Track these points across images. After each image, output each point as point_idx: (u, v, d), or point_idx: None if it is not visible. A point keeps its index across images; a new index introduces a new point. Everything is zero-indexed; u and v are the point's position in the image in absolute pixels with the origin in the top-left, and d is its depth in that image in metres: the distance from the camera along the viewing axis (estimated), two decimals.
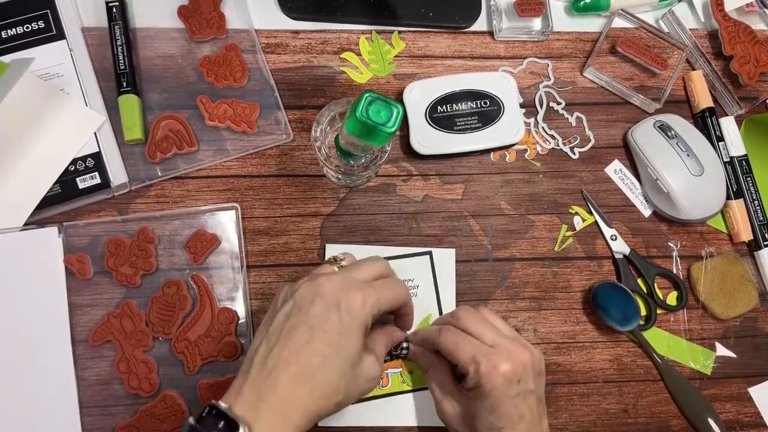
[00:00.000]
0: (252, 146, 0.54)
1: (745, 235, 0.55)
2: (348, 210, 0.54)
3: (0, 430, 0.46)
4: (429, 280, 0.52)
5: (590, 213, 0.56)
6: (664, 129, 0.55)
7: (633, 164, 0.57)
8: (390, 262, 0.51)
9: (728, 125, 0.58)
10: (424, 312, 0.51)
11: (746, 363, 0.54)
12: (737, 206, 0.56)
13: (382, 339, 0.44)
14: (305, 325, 0.38)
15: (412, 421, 0.49)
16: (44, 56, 0.52)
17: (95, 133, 0.52)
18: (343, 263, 0.43)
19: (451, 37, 0.59)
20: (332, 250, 0.52)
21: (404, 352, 0.48)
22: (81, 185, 0.51)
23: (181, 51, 0.55)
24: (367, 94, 0.38)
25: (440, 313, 0.51)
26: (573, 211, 0.56)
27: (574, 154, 0.57)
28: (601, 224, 0.55)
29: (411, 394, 0.50)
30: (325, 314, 0.38)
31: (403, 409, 0.49)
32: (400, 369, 0.50)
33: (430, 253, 0.52)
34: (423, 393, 0.49)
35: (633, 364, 0.53)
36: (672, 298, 0.55)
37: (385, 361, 0.49)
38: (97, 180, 0.51)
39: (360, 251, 0.52)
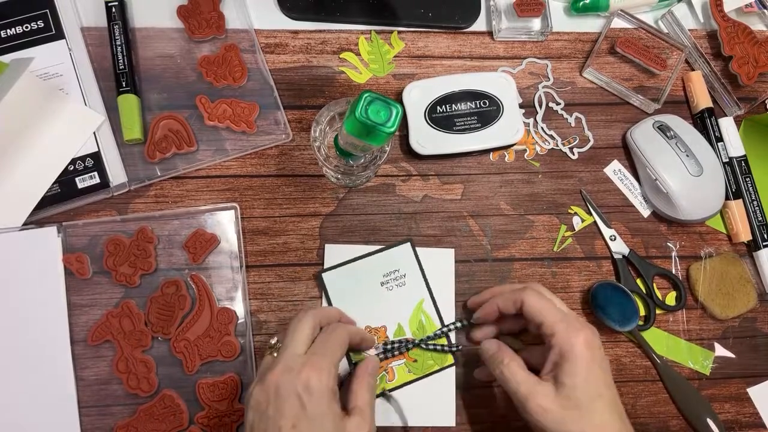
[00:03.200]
0: (251, 146, 0.54)
1: (744, 235, 0.55)
2: (347, 210, 0.54)
3: None
4: (414, 267, 0.52)
5: (589, 213, 0.56)
6: (663, 129, 0.55)
7: (632, 164, 0.57)
8: (372, 256, 0.52)
9: (727, 126, 0.58)
10: (416, 299, 0.51)
11: (745, 363, 0.54)
12: (736, 207, 0.56)
13: (361, 386, 0.42)
14: (274, 428, 0.36)
15: (426, 408, 0.49)
16: (43, 56, 0.52)
17: (94, 133, 0.52)
18: (277, 344, 0.41)
19: (451, 37, 0.59)
20: (331, 250, 0.52)
21: (396, 353, 0.48)
22: (80, 185, 0.51)
23: (180, 51, 0.55)
24: (366, 94, 0.38)
25: (431, 297, 0.52)
26: (572, 212, 0.56)
27: (574, 155, 0.57)
28: (601, 224, 0.55)
29: (419, 382, 0.50)
30: (287, 409, 0.36)
31: (416, 397, 0.50)
32: (404, 360, 0.50)
33: (410, 240, 0.53)
34: (428, 379, 0.50)
35: (632, 365, 0.53)
36: (671, 299, 0.55)
37: (381, 360, 0.49)
38: (96, 180, 0.51)
39: (359, 250, 0.52)
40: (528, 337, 0.48)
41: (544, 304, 0.43)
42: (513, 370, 0.42)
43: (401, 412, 0.49)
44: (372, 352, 0.49)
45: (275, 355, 0.41)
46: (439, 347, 0.50)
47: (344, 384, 0.44)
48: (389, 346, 0.49)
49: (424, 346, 0.50)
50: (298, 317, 0.42)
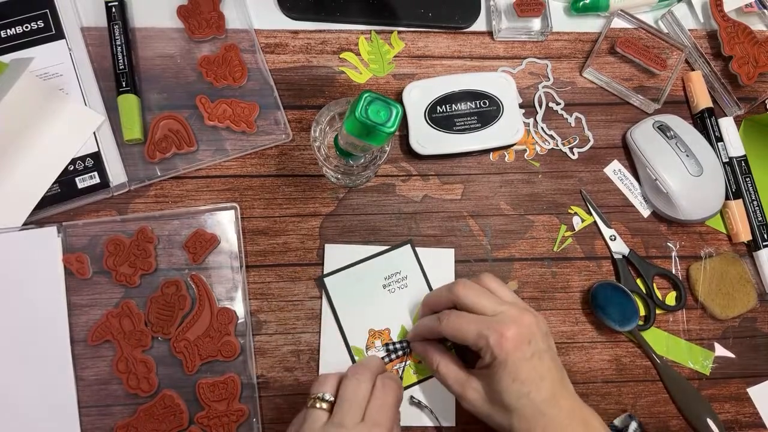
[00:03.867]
0: (251, 146, 0.54)
1: (744, 235, 0.55)
2: (347, 210, 0.54)
3: None
4: (416, 269, 0.52)
5: (589, 213, 0.56)
6: (663, 129, 0.55)
7: (632, 164, 0.57)
8: (373, 259, 0.52)
9: (727, 126, 0.58)
10: (418, 300, 0.51)
11: (745, 363, 0.54)
12: (736, 207, 0.56)
13: None
14: None
15: (435, 405, 0.50)
16: (43, 56, 0.52)
17: (94, 133, 0.52)
18: (329, 398, 0.41)
19: (451, 37, 0.59)
20: (331, 250, 0.52)
21: (400, 354, 0.49)
22: (80, 185, 0.51)
23: (180, 51, 0.55)
24: (366, 94, 0.38)
25: None
26: (572, 212, 0.56)
27: (574, 155, 0.57)
28: (601, 224, 0.55)
29: (426, 383, 0.50)
30: None
31: (424, 397, 0.50)
32: (408, 361, 0.50)
33: (410, 242, 0.53)
34: (428, 380, 0.50)
35: (632, 365, 0.53)
36: (671, 299, 0.55)
37: (386, 363, 0.50)
38: (96, 180, 0.51)
39: (358, 250, 0.52)
40: None
41: (460, 325, 0.43)
42: (443, 370, 0.45)
43: (401, 413, 0.49)
44: (381, 354, 0.49)
45: (324, 408, 0.40)
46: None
47: None
48: (391, 347, 0.49)
49: (399, 353, 0.50)
50: (357, 379, 0.41)
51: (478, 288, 0.44)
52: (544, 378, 0.41)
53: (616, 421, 0.51)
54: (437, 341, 0.48)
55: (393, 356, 0.50)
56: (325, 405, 0.40)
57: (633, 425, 0.48)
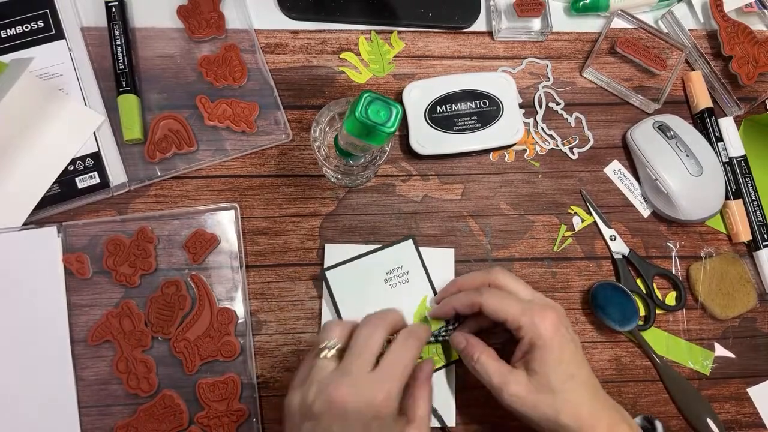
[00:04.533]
0: (251, 146, 0.54)
1: (744, 235, 0.55)
2: (347, 210, 0.54)
3: None
4: (417, 264, 0.52)
5: (589, 213, 0.56)
6: (663, 129, 0.55)
7: (632, 164, 0.57)
8: (375, 254, 0.51)
9: (727, 126, 0.58)
10: (419, 295, 0.51)
11: (745, 363, 0.54)
12: (736, 207, 0.56)
13: (424, 394, 0.41)
14: None
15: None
16: (43, 56, 0.52)
17: (94, 133, 0.52)
18: (333, 345, 0.40)
19: (451, 37, 0.59)
20: (331, 250, 0.52)
21: (444, 337, 0.48)
22: (80, 185, 0.51)
23: (180, 51, 0.55)
24: (366, 94, 0.38)
25: (435, 294, 0.51)
26: (572, 212, 0.56)
27: (574, 155, 0.57)
28: (601, 224, 0.55)
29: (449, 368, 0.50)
30: None
31: (444, 384, 0.50)
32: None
33: (412, 237, 0.53)
34: (440, 373, 0.50)
35: (632, 365, 0.53)
36: (671, 299, 0.55)
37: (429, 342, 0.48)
38: (97, 180, 0.51)
39: (358, 250, 0.52)
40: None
41: (502, 301, 0.43)
42: (484, 362, 0.43)
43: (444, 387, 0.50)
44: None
45: (330, 355, 0.39)
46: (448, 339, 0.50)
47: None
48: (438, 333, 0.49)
49: (432, 339, 0.50)
50: (369, 326, 0.40)
51: (512, 275, 0.45)
52: (581, 365, 0.41)
53: (637, 419, 0.51)
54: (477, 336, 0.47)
55: (437, 339, 0.48)
56: (332, 353, 0.39)
57: (659, 425, 0.48)
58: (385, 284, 0.51)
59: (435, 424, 0.49)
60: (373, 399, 0.37)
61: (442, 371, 0.50)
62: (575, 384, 0.40)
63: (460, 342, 0.46)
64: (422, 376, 0.43)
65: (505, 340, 0.47)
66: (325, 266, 0.51)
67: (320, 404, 0.37)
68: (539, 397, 0.40)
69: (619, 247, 0.55)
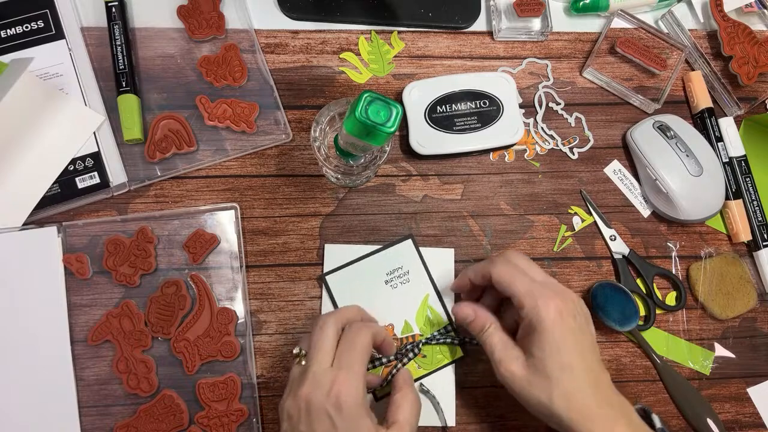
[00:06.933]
0: (251, 146, 0.54)
1: (744, 235, 0.55)
2: (347, 210, 0.54)
3: None
4: (417, 263, 0.52)
5: (589, 213, 0.56)
6: (663, 129, 0.55)
7: (632, 164, 0.57)
8: (375, 255, 0.52)
9: (727, 126, 0.58)
10: (421, 294, 0.51)
11: (745, 363, 0.54)
12: (736, 207, 0.56)
13: (404, 399, 0.42)
14: None
15: (426, 408, 0.49)
16: (43, 56, 0.52)
17: (94, 133, 0.52)
18: (302, 353, 0.41)
19: (451, 37, 0.59)
20: (331, 249, 0.52)
21: (411, 356, 0.49)
22: (80, 185, 0.51)
23: (180, 51, 0.55)
24: (366, 94, 0.38)
25: (437, 292, 0.52)
26: (572, 212, 0.56)
27: (573, 155, 0.57)
28: (601, 224, 0.55)
29: (418, 383, 0.50)
30: (318, 428, 0.37)
31: (444, 384, 0.50)
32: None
33: (411, 236, 0.53)
34: (429, 379, 0.50)
35: (632, 365, 0.53)
36: (671, 299, 0.55)
37: (404, 365, 0.49)
38: (97, 180, 0.51)
39: (358, 250, 0.52)
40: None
41: (513, 274, 0.42)
42: (491, 333, 0.43)
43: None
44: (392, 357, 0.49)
45: (303, 363, 0.41)
46: (449, 340, 0.50)
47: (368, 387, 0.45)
48: (403, 350, 0.49)
49: (434, 342, 0.50)
50: (319, 326, 0.41)
51: (527, 257, 0.44)
52: (584, 354, 0.40)
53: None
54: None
55: (406, 360, 0.49)
56: (302, 360, 0.41)
57: (656, 418, 0.47)
58: (386, 285, 0.51)
59: (436, 423, 0.49)
60: (330, 389, 0.38)
61: (442, 371, 0.50)
62: (573, 375, 0.39)
63: (468, 315, 0.45)
64: (400, 383, 0.44)
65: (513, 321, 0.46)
66: (325, 271, 0.51)
67: (290, 404, 0.39)
68: (534, 378, 0.40)
69: (619, 247, 0.55)
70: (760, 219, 0.56)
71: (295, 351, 0.42)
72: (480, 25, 0.60)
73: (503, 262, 0.43)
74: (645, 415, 0.44)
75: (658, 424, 0.43)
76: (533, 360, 0.40)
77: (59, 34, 0.53)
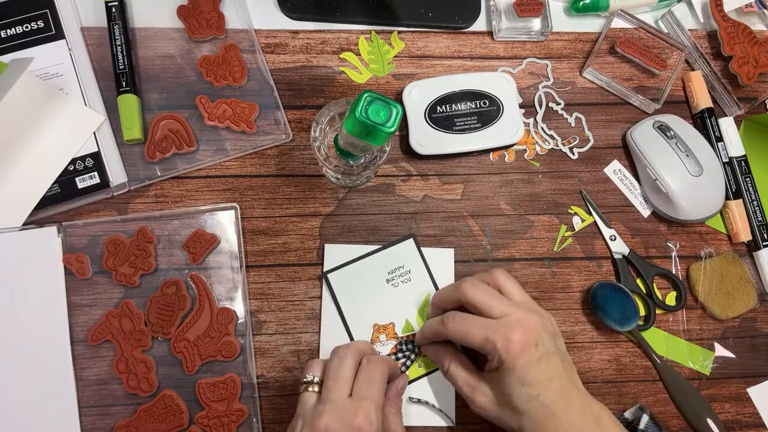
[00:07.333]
0: (251, 146, 0.54)
1: (744, 235, 0.55)
2: (347, 210, 0.54)
3: None
4: (419, 263, 0.52)
5: (589, 213, 0.56)
6: (663, 129, 0.55)
7: (632, 164, 0.57)
8: (376, 254, 0.52)
9: (727, 126, 0.58)
10: (422, 293, 0.52)
11: (745, 363, 0.54)
12: (736, 207, 0.56)
13: (393, 410, 0.44)
14: None
15: (426, 408, 0.50)
16: (43, 56, 0.52)
17: (94, 133, 0.52)
18: (316, 380, 0.42)
19: (451, 37, 0.59)
20: (331, 249, 0.52)
21: (412, 357, 0.49)
22: (80, 185, 0.51)
23: (180, 51, 0.55)
24: (366, 94, 0.38)
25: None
26: (572, 212, 0.56)
27: (573, 155, 0.57)
28: (601, 224, 0.55)
29: (418, 382, 0.50)
30: None
31: (428, 392, 0.50)
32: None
33: (413, 236, 0.53)
34: (429, 379, 0.50)
35: (632, 365, 0.53)
36: (671, 299, 0.55)
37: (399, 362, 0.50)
38: (97, 180, 0.51)
39: (358, 250, 0.52)
40: None
41: (468, 327, 0.43)
42: (453, 372, 0.46)
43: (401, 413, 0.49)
44: (393, 355, 0.50)
45: (314, 390, 0.41)
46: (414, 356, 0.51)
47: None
48: (403, 348, 0.49)
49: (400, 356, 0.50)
50: (339, 357, 0.42)
51: (485, 287, 0.44)
52: (552, 380, 0.40)
53: (627, 414, 0.51)
54: (447, 342, 0.48)
55: (407, 361, 0.50)
56: (314, 387, 0.41)
57: (645, 418, 0.48)
58: (387, 284, 0.51)
59: (438, 423, 0.49)
60: (353, 421, 0.38)
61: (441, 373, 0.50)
62: (539, 404, 0.40)
63: (431, 353, 0.48)
64: (392, 393, 0.45)
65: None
66: (326, 269, 0.51)
67: None
68: (503, 411, 0.42)
69: (619, 247, 0.55)
70: (760, 219, 0.56)
71: (306, 378, 0.42)
72: (480, 25, 0.60)
73: (454, 321, 0.44)
74: (639, 413, 0.44)
75: (641, 425, 0.44)
76: (501, 396, 0.42)
77: (59, 34, 0.53)
